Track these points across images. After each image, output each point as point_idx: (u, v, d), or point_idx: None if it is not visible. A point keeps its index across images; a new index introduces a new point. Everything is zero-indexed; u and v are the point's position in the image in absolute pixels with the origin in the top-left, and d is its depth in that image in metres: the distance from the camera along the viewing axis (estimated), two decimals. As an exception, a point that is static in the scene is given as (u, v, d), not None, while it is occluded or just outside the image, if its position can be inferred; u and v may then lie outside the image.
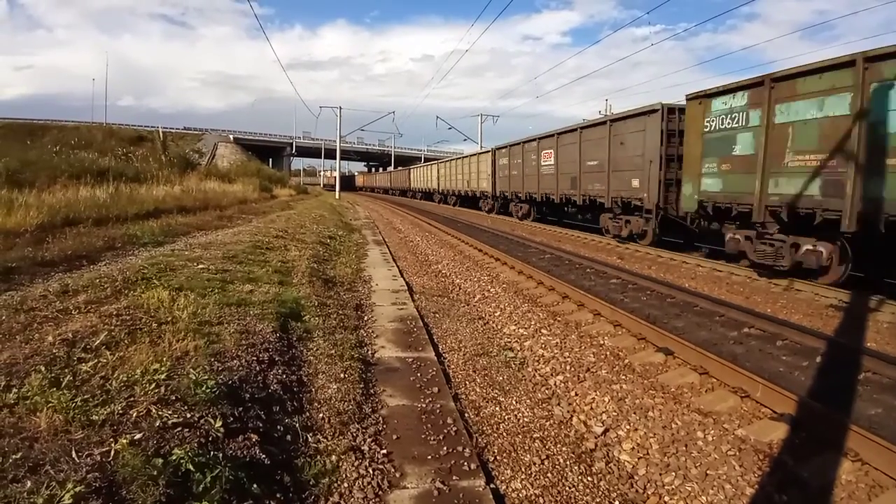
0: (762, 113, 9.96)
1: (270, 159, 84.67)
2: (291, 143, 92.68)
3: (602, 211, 16.96)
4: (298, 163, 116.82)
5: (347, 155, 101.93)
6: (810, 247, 9.41)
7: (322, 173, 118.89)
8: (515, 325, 7.13)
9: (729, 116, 10.91)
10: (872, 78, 8.04)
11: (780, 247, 9.92)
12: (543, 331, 6.79)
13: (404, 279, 9.74)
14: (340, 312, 6.78)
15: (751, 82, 10.25)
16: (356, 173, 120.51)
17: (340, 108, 53.41)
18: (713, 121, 11.34)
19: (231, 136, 75.21)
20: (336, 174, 62.86)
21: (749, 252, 10.68)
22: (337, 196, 50.28)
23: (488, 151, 29.82)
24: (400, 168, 74.53)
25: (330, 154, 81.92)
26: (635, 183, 14.71)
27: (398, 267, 11.18)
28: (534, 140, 21.91)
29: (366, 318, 6.87)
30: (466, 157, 36.14)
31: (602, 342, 6.41)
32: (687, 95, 12.22)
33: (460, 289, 9.55)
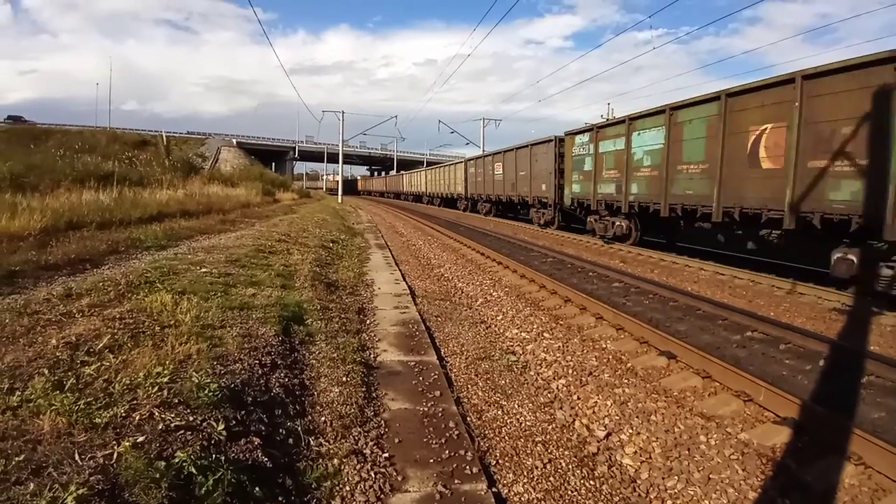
0: (594, 146, 17.01)
1: (273, 163, 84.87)
2: (294, 148, 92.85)
3: (530, 207, 24.61)
4: (301, 167, 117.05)
5: (350, 159, 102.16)
6: (618, 222, 16.14)
7: (324, 177, 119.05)
8: (518, 328, 7.13)
9: (582, 147, 18.07)
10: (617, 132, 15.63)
11: (607, 223, 16.73)
12: (545, 334, 6.79)
13: (406, 283, 9.74)
14: (343, 316, 6.78)
15: (588, 128, 17.66)
16: (358, 177, 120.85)
17: (343, 112, 53.60)
18: (576, 149, 18.56)
19: (234, 141, 75.37)
20: (338, 178, 62.95)
21: (597, 229, 17.31)
22: (339, 200, 50.34)
23: (462, 162, 37.71)
24: (392, 174, 79.80)
25: (332, 158, 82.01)
26: (544, 187, 22.31)
27: (400, 271, 11.19)
28: (489, 155, 30.90)
29: (368, 322, 6.88)
30: (447, 165, 43.32)
31: (604, 346, 6.40)
32: (565, 132, 19.54)
33: (462, 292, 9.55)
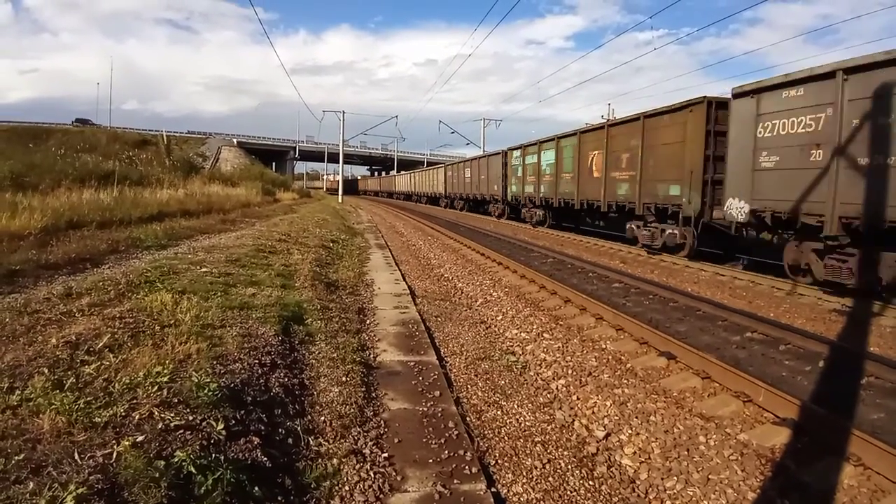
0: (522, 159, 24.63)
1: (274, 163, 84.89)
2: (295, 147, 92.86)
3: (489, 203, 31.77)
4: (301, 166, 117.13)
5: (350, 159, 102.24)
6: (538, 212, 23.62)
7: (325, 177, 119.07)
8: (517, 329, 7.13)
9: (516, 159, 25.68)
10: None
11: (532, 214, 24.09)
12: (545, 335, 6.79)
13: (406, 283, 9.75)
14: (343, 316, 6.79)
15: (519, 146, 25.19)
16: (359, 177, 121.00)
17: (344, 112, 53.64)
18: (513, 160, 26.15)
19: (235, 140, 75.40)
20: (339, 178, 62.98)
21: (526, 217, 24.71)
22: (339, 200, 50.35)
23: (442, 167, 45.07)
24: (392, 174, 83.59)
25: (333, 158, 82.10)
26: (496, 188, 29.42)
27: (400, 271, 11.19)
28: (462, 162, 39.23)
29: (368, 322, 6.88)
30: (431, 169, 50.65)
31: (604, 346, 6.40)
32: (507, 148, 27.26)
33: (462, 293, 9.56)
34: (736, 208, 10.91)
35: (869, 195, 8.32)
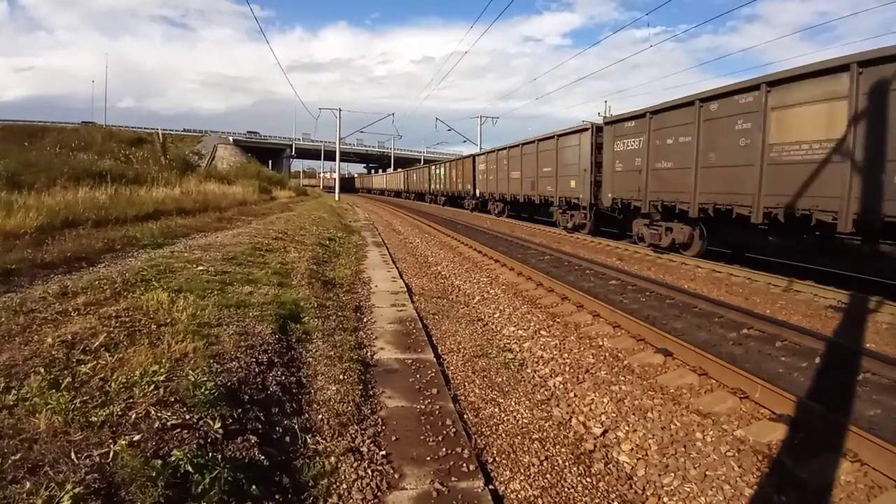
0: (485, 164, 30.05)
1: (270, 161, 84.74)
2: (291, 145, 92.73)
3: (463, 198, 36.20)
4: (298, 164, 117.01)
5: (347, 157, 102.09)
6: (498, 204, 29.05)
7: (321, 175, 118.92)
8: (514, 326, 7.13)
9: (482, 163, 30.68)
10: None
11: (496, 206, 29.15)
12: (542, 332, 6.79)
13: (403, 281, 9.75)
14: (340, 314, 6.78)
15: (489, 151, 30.33)
16: (356, 175, 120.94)
17: (340, 109, 53.56)
18: (480, 163, 31.52)
19: (231, 138, 75.23)
20: (335, 176, 62.91)
21: (492, 210, 29.55)
22: (336, 198, 50.31)
23: (427, 167, 51.05)
24: (380, 173, 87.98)
25: (330, 156, 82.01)
26: (468, 186, 33.93)
27: (397, 268, 11.19)
28: (436, 164, 46.49)
29: (365, 320, 6.87)
30: (419, 168, 56.61)
31: (601, 343, 6.41)
32: (475, 153, 34.54)
33: (459, 290, 9.55)
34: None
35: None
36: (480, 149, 47.87)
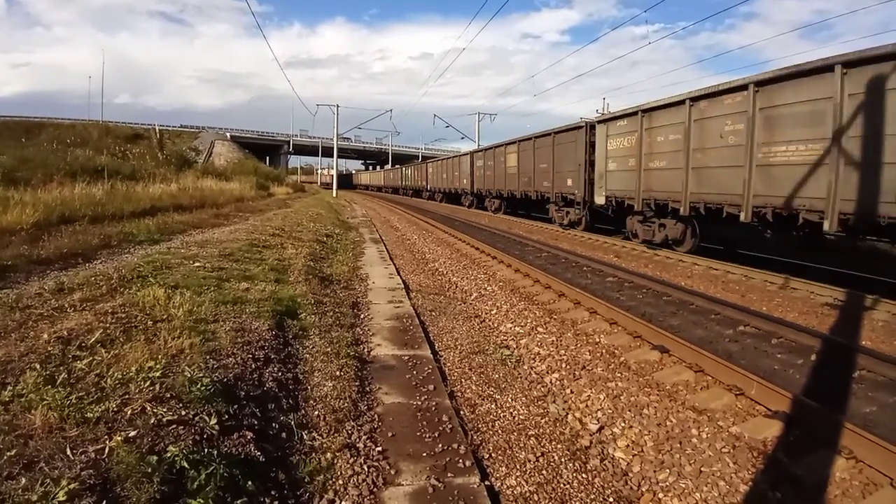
0: (483, 160, 30.18)
1: (268, 157, 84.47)
2: (289, 141, 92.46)
3: (461, 195, 36.51)
4: (296, 161, 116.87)
5: (345, 153, 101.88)
6: (495, 201, 29.10)
7: (319, 171, 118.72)
8: (512, 323, 7.14)
9: (479, 159, 31.10)
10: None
11: (492, 203, 29.57)
12: (539, 329, 6.80)
13: (401, 277, 9.74)
14: (337, 310, 6.78)
15: (486, 148, 30.18)
16: (353, 171, 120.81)
17: (338, 105, 53.47)
18: (478, 160, 31.41)
19: (228, 134, 74.95)
20: (333, 172, 62.80)
21: (489, 206, 29.81)
22: (334, 194, 50.24)
23: (424, 163, 51.58)
24: (379, 169, 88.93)
25: (327, 152, 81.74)
26: (465, 182, 34.40)
27: (395, 265, 11.18)
28: (433, 161, 47.34)
29: (362, 316, 6.87)
30: (416, 164, 57.08)
31: (598, 340, 6.41)
32: (472, 150, 33.99)
33: (457, 287, 9.55)
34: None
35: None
36: (478, 145, 48.07)
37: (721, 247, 13.86)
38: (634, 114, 14.27)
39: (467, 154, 34.74)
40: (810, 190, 9.17)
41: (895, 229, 8.18)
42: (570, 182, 19.00)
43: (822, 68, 8.88)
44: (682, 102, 12.27)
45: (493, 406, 4.60)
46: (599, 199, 16.49)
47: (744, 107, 10.46)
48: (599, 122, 16.39)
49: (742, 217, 10.61)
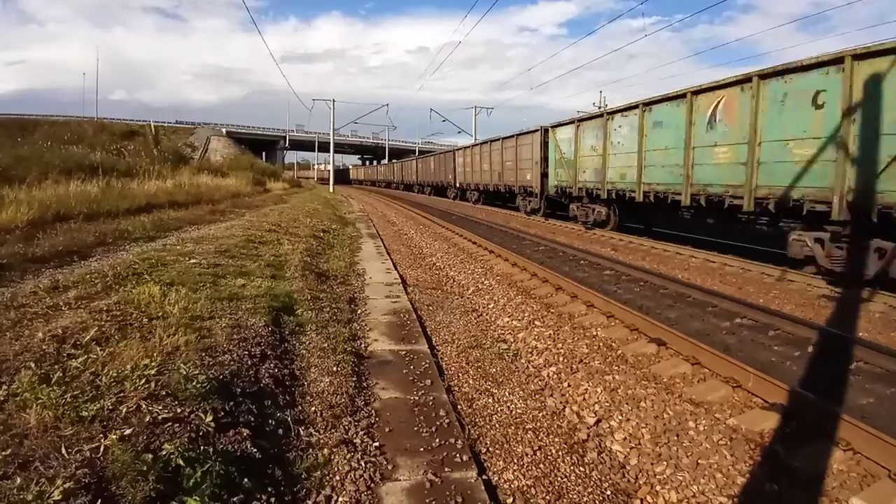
0: (463, 158, 33.48)
1: (264, 153, 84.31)
2: (285, 137, 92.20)
3: (446, 188, 39.32)
4: (292, 156, 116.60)
5: (341, 148, 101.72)
6: (474, 193, 32.53)
7: (316, 167, 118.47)
8: (509, 316, 7.13)
9: (460, 156, 34.49)
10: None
11: (472, 195, 32.92)
12: (537, 322, 6.80)
13: (398, 272, 9.73)
14: (333, 306, 6.76)
15: (468, 146, 33.97)
16: (350, 166, 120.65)
17: (334, 100, 53.14)
18: (459, 157, 34.65)
19: (224, 130, 74.68)
20: (330, 167, 62.67)
21: (471, 198, 33.08)
22: (331, 189, 50.15)
23: (415, 159, 54.75)
24: (376, 164, 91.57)
25: (324, 147, 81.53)
26: (450, 177, 36.96)
27: (392, 260, 11.16)
28: (424, 157, 51.22)
29: (359, 312, 6.86)
30: (408, 160, 59.11)
31: (595, 333, 6.42)
32: (456, 148, 36.68)
33: (454, 281, 9.55)
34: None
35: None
36: (475, 139, 48.34)
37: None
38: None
39: (451, 152, 38.28)
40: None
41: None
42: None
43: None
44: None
45: (490, 400, 4.59)
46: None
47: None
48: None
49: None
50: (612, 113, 15.72)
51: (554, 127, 19.79)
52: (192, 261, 7.65)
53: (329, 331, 5.63)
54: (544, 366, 5.46)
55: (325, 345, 5.15)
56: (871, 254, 8.08)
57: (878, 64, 7.74)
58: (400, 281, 8.88)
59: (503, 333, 6.54)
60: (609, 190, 15.81)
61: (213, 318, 5.02)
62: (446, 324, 6.78)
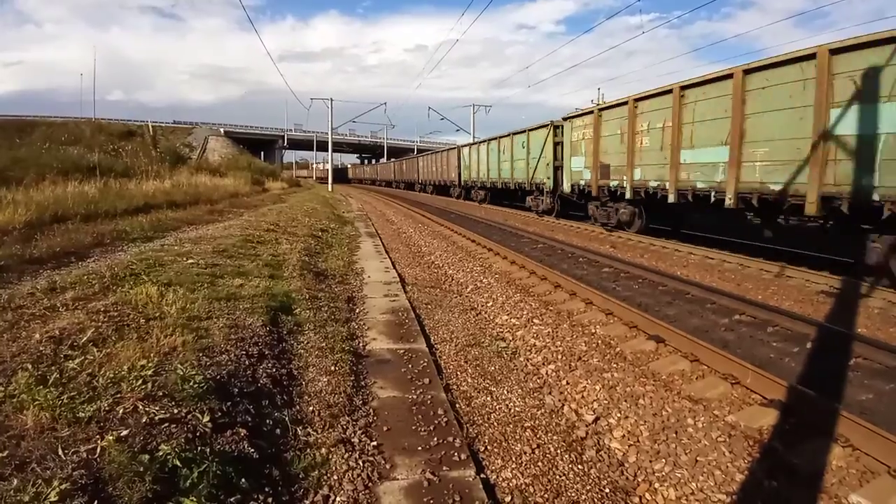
0: (469, 155, 32.20)
1: (262, 152, 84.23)
2: (283, 136, 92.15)
3: (449, 187, 38.61)
4: (290, 155, 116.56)
5: (339, 147, 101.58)
6: (480, 192, 31.02)
7: (314, 166, 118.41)
8: (507, 315, 7.13)
9: (465, 155, 33.19)
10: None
11: (477, 194, 31.22)
12: (535, 320, 6.79)
13: (396, 271, 9.72)
14: (332, 305, 6.76)
15: (472, 143, 33.02)
16: (349, 165, 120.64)
17: (332, 99, 53.09)
18: (465, 155, 33.27)
19: (222, 130, 74.58)
20: (328, 166, 62.59)
21: (475, 197, 31.61)
22: (329, 188, 50.10)
23: (416, 157, 54.26)
24: (374, 163, 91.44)
25: (322, 146, 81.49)
26: (453, 175, 36.73)
27: (390, 259, 11.16)
28: (425, 155, 49.38)
29: (357, 311, 6.85)
30: (409, 158, 59.27)
31: (594, 331, 6.41)
32: (459, 146, 35.92)
33: (453, 279, 9.54)
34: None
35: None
36: (473, 138, 48.35)
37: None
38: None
39: (455, 148, 37.31)
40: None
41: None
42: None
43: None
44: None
45: (488, 398, 4.59)
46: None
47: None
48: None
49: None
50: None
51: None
52: (190, 261, 7.64)
53: (327, 330, 5.62)
54: (543, 364, 5.45)
55: (324, 344, 5.15)
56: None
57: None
58: (398, 279, 8.87)
59: (502, 331, 6.54)
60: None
61: (211, 319, 5.01)
62: (445, 322, 6.78)
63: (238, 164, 44.69)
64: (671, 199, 12.28)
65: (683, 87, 11.75)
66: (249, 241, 10.46)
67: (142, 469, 2.48)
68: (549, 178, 20.47)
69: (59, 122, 52.96)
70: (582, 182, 17.09)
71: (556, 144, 19.87)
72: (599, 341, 6.04)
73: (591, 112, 16.08)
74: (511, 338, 6.30)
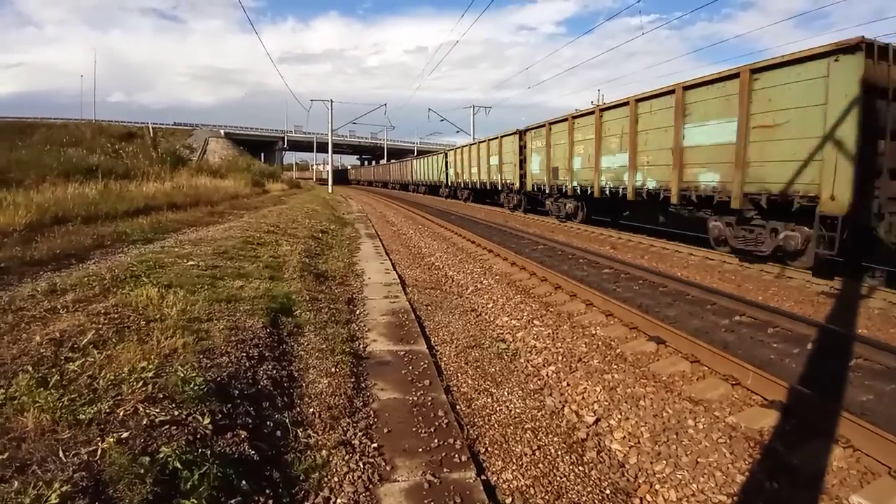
0: (454, 158, 35.54)
1: (262, 154, 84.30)
2: (283, 138, 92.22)
3: (438, 187, 41.39)
4: (291, 157, 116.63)
5: (340, 148, 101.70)
6: (464, 192, 34.20)
7: (315, 167, 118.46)
8: (508, 316, 7.13)
9: (451, 158, 36.38)
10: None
11: (462, 193, 34.67)
12: (536, 322, 6.79)
13: (397, 272, 9.72)
14: (332, 307, 6.76)
15: (461, 146, 35.03)
16: (349, 167, 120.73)
17: (332, 101, 53.11)
18: (450, 157, 37.15)
19: (222, 131, 74.64)
20: (329, 168, 62.62)
21: (461, 196, 34.83)
22: (329, 190, 50.11)
23: (410, 160, 56.15)
24: (374, 165, 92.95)
25: (322, 148, 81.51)
26: (443, 177, 38.90)
27: (391, 260, 11.15)
28: (418, 158, 52.45)
29: (358, 312, 6.85)
30: (404, 161, 60.76)
31: (594, 332, 6.41)
32: (452, 148, 38.07)
33: (453, 281, 9.54)
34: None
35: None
36: (473, 139, 48.45)
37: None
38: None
39: (443, 153, 40.44)
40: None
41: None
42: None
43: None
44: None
45: (489, 400, 4.59)
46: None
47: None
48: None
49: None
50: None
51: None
52: (190, 263, 7.64)
53: (327, 332, 5.62)
54: (543, 365, 5.45)
55: (324, 346, 5.15)
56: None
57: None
58: (399, 281, 8.87)
59: (502, 333, 6.54)
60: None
61: (211, 320, 5.01)
62: (445, 324, 6.78)
63: (238, 166, 44.68)
64: (597, 195, 15.80)
65: (602, 110, 15.36)
66: (250, 242, 10.47)
67: (142, 471, 2.49)
68: (516, 179, 23.42)
69: (60, 123, 53.03)
70: (540, 182, 20.51)
71: (521, 149, 22.68)
72: (600, 342, 6.03)
73: (544, 125, 19.58)
74: (511, 339, 6.30)
